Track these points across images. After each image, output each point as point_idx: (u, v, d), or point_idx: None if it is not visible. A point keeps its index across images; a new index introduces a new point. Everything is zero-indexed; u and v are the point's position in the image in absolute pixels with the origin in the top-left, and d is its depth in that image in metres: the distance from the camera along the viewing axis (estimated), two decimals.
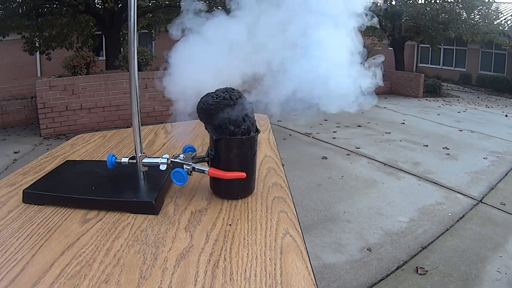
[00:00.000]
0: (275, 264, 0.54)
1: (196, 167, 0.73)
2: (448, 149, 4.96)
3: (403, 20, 12.34)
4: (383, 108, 8.09)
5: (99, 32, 9.35)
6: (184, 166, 0.72)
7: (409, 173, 4.03)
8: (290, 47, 0.73)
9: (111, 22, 8.04)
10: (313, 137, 5.37)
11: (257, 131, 0.75)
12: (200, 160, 0.76)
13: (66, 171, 0.83)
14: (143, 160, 0.74)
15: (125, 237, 0.61)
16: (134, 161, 0.75)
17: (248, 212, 0.69)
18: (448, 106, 9.09)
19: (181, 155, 0.74)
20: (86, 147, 1.07)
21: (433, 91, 11.09)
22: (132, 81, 0.70)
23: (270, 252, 0.56)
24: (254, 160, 0.75)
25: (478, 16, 11.79)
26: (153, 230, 0.63)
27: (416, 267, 2.30)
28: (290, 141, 5.17)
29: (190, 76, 0.75)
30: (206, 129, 0.75)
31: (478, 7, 11.46)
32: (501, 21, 13.27)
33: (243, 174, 0.70)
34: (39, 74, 11.03)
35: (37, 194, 0.72)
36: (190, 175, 0.72)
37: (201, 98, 0.72)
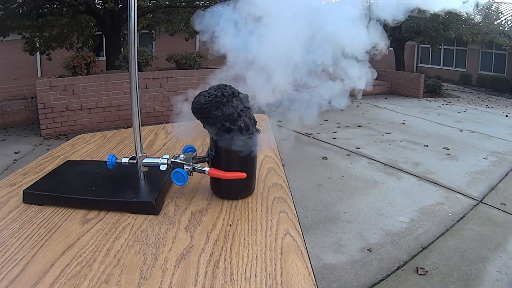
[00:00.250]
0: (275, 264, 0.54)
1: (196, 167, 0.73)
2: (448, 149, 4.95)
3: (403, 20, 12.32)
4: (383, 108, 8.09)
5: (100, 33, 9.36)
6: (185, 167, 0.72)
7: (409, 173, 4.03)
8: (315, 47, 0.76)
9: (111, 23, 8.04)
10: (313, 137, 5.37)
11: (258, 131, 0.75)
12: (201, 160, 0.76)
13: (66, 171, 0.83)
14: (144, 161, 0.74)
15: (126, 237, 0.61)
16: (135, 161, 0.75)
17: (248, 213, 0.69)
18: (449, 106, 9.08)
19: (181, 156, 0.74)
20: (86, 148, 1.08)
21: (433, 91, 11.08)
22: (133, 81, 0.70)
23: (271, 253, 0.56)
24: (254, 161, 0.75)
25: (478, 16, 11.79)
26: (153, 231, 0.63)
27: (417, 268, 2.30)
28: (290, 141, 5.15)
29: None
30: (204, 127, 0.75)
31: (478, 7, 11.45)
32: (502, 21, 13.27)
33: (243, 175, 0.70)
34: (39, 74, 11.04)
35: (38, 194, 0.72)
36: (190, 175, 0.73)
37: (194, 97, 0.72)
